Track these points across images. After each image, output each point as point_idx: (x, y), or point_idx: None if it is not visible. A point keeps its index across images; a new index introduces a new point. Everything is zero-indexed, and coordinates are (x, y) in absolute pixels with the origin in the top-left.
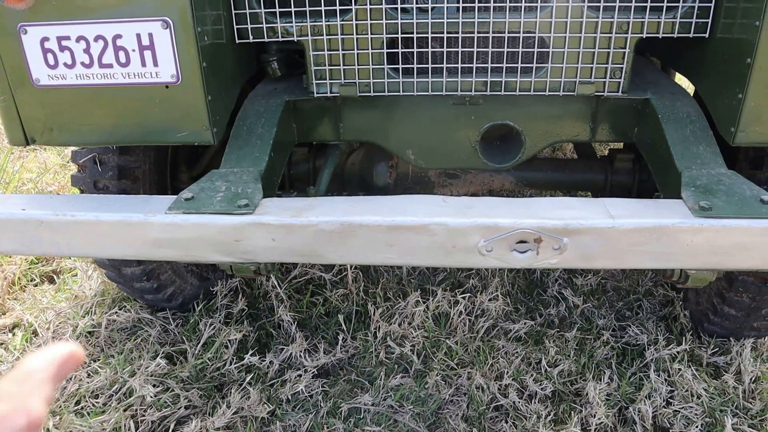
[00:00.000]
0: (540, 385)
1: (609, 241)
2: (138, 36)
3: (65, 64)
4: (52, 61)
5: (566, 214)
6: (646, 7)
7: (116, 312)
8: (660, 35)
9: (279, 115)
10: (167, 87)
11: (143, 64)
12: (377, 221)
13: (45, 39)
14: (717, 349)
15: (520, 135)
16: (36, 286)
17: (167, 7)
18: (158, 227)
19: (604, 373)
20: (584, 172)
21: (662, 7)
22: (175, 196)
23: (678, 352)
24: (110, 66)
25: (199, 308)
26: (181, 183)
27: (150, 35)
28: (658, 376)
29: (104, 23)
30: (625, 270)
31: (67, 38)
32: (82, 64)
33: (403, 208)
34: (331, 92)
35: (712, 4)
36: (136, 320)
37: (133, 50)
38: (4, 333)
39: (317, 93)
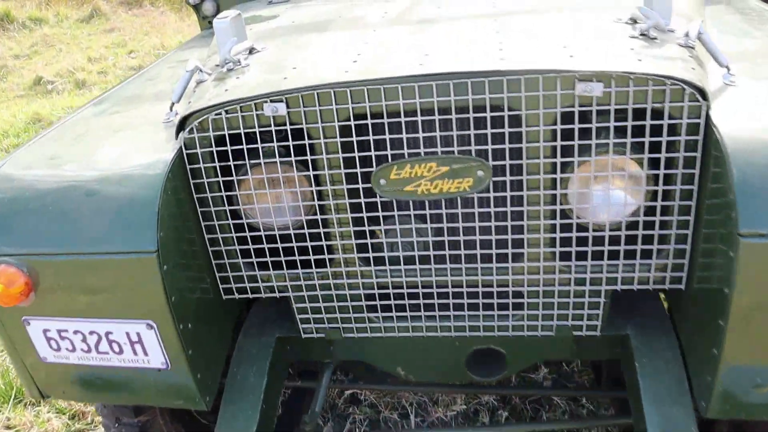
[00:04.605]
0: None
1: None
2: (127, 333)
3: (67, 349)
4: (55, 346)
5: None
6: (618, 263)
7: None
8: (635, 288)
9: (270, 359)
10: (159, 371)
11: (135, 353)
12: None
13: (46, 330)
14: None
15: (504, 356)
16: None
17: (150, 313)
18: None
19: None
20: None
21: (635, 264)
22: None
23: None
24: (107, 353)
25: None
26: None
27: (138, 333)
28: None
29: (95, 322)
30: None
31: (66, 330)
32: (82, 350)
33: None
34: (317, 334)
35: (687, 261)
36: None
37: (125, 343)
38: None
39: (304, 335)
